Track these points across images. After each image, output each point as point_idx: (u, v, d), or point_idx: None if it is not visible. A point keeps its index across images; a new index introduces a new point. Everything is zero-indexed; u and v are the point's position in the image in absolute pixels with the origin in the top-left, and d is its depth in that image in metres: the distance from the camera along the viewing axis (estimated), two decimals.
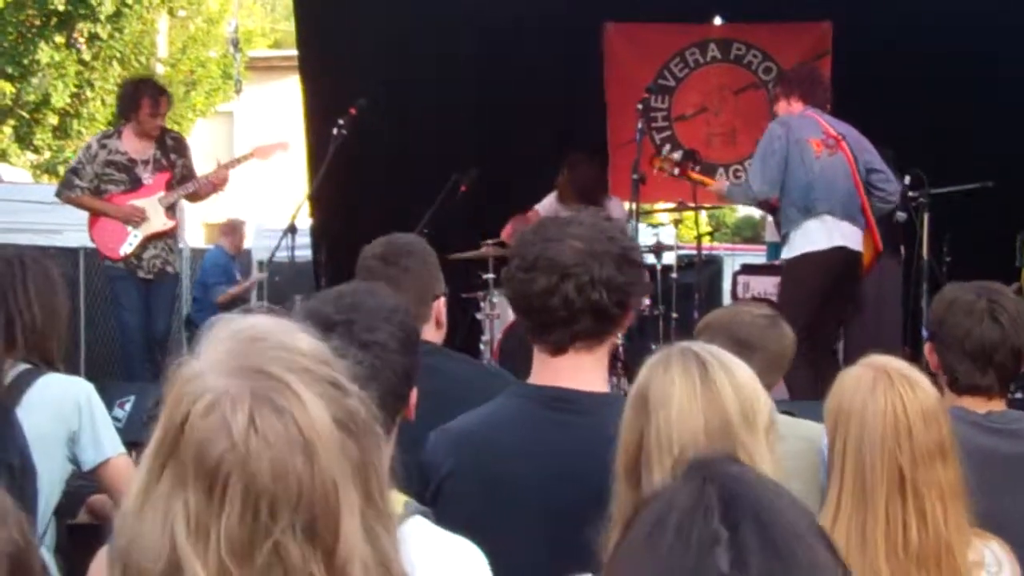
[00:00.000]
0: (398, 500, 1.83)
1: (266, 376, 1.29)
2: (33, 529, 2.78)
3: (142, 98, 7.46)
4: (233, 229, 11.45)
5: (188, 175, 7.58)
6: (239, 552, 1.24)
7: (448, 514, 2.52)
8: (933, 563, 2.36)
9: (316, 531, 1.26)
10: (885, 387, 2.42)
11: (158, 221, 7.44)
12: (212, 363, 1.31)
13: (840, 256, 6.55)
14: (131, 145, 7.44)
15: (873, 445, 2.39)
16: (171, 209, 7.54)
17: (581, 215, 2.63)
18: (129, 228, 7.36)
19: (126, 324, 7.45)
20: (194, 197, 7.67)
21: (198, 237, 19.36)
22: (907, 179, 7.37)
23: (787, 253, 6.65)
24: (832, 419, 2.47)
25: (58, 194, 7.64)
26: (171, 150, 7.57)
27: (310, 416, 1.28)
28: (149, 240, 7.42)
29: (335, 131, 7.56)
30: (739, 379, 2.08)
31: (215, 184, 7.60)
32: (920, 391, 2.44)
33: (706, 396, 2.05)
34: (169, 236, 7.61)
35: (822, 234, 6.50)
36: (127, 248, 7.36)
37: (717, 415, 2.04)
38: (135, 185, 7.42)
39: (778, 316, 3.32)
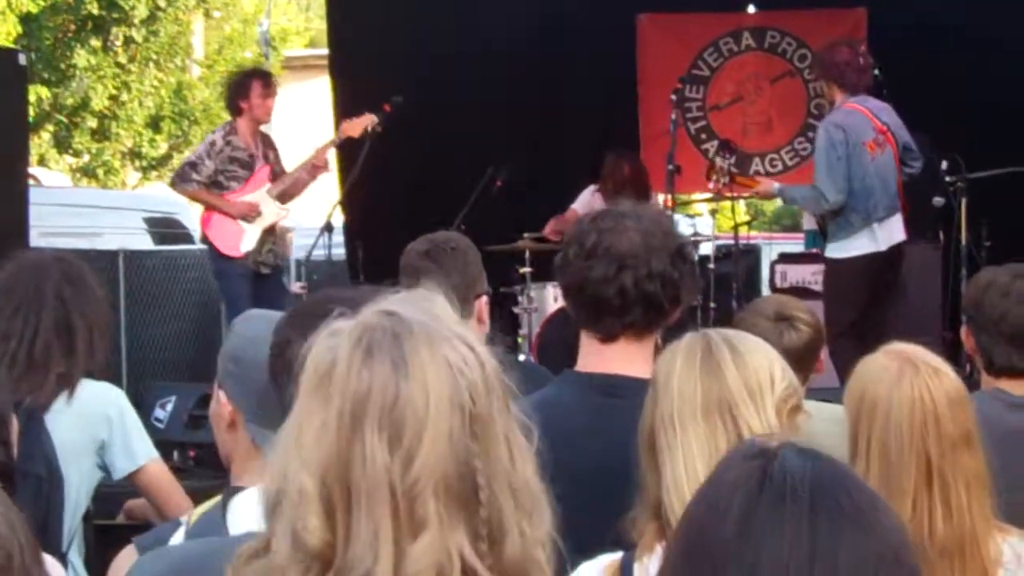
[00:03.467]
0: None
1: (391, 314, 1.41)
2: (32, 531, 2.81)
3: (252, 82, 7.48)
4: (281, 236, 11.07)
5: (282, 170, 7.60)
6: (332, 452, 1.35)
7: None
8: (957, 552, 2.33)
9: (399, 437, 1.35)
10: (911, 376, 2.39)
11: (271, 213, 7.42)
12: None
13: (891, 254, 6.59)
14: (246, 141, 7.46)
15: (900, 435, 2.36)
16: (279, 199, 7.52)
17: (640, 207, 2.65)
18: (243, 224, 7.34)
19: None
20: (294, 189, 7.62)
21: None
22: (944, 164, 7.31)
23: (836, 252, 6.59)
24: (855, 407, 2.44)
25: (172, 184, 7.70)
26: (267, 146, 7.62)
27: (418, 346, 1.38)
28: (266, 233, 7.43)
29: (369, 128, 7.58)
30: (746, 356, 2.09)
31: (316, 168, 7.55)
32: (945, 378, 2.41)
33: (704, 371, 2.07)
34: (276, 228, 7.61)
35: (872, 240, 6.51)
36: (248, 245, 7.34)
37: (715, 388, 2.06)
38: (250, 180, 7.45)
39: (793, 318, 3.24)
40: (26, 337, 3.27)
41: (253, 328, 2.17)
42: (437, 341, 1.39)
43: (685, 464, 2.02)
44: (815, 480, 1.22)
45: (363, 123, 7.54)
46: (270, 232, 7.48)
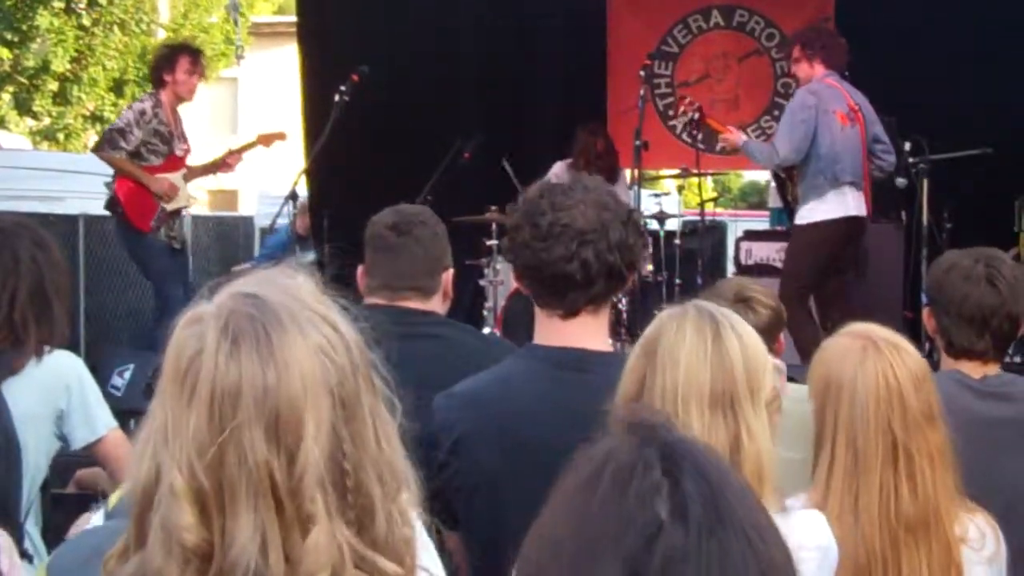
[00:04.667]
0: None
1: (255, 298, 1.37)
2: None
3: (179, 57, 7.35)
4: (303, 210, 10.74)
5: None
6: (205, 448, 1.31)
7: (464, 474, 2.53)
8: (922, 529, 2.37)
9: (278, 432, 1.32)
10: (874, 356, 2.41)
11: (183, 198, 7.36)
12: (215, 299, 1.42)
13: (852, 225, 6.76)
14: (167, 116, 7.34)
15: (866, 415, 2.38)
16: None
17: (583, 179, 2.64)
18: (159, 201, 7.24)
19: (172, 297, 7.07)
20: (196, 178, 7.60)
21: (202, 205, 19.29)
22: (907, 145, 7.39)
23: (805, 218, 6.77)
24: (820, 390, 2.45)
25: (97, 150, 7.47)
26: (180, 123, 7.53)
27: (286, 333, 1.35)
28: (173, 214, 7.34)
29: (337, 97, 7.53)
30: (749, 345, 2.08)
31: (225, 166, 7.57)
32: (908, 356, 2.44)
33: (715, 358, 2.05)
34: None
35: (841, 204, 6.69)
36: (156, 221, 7.25)
37: (723, 378, 2.04)
38: (169, 158, 7.36)
39: (752, 300, 3.26)
40: (3, 303, 3.23)
41: None
42: (304, 326, 1.36)
43: None
44: (696, 464, 1.13)
45: (274, 138, 7.71)
46: (175, 215, 7.41)
